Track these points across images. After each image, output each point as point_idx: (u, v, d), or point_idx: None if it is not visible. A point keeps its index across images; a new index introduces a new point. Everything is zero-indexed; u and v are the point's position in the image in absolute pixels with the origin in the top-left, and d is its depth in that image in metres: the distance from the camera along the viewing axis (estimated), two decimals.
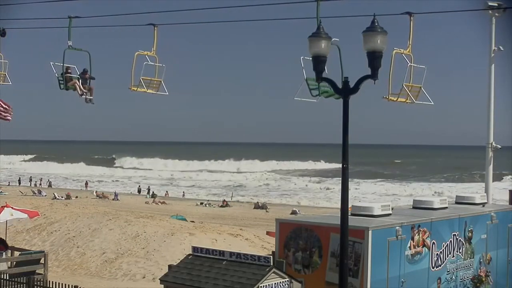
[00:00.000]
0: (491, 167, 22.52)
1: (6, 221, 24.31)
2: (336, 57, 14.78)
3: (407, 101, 16.01)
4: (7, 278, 19.94)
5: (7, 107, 21.39)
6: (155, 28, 18.14)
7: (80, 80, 19.21)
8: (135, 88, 18.41)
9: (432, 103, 16.24)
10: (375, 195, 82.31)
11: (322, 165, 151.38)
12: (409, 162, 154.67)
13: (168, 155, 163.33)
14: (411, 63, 15.71)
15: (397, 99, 15.92)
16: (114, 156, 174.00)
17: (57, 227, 33.47)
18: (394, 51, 15.44)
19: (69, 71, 19.08)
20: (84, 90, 19.25)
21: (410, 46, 15.62)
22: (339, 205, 11.65)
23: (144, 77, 18.49)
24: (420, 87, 16.31)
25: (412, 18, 15.43)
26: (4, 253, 21.83)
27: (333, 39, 14.67)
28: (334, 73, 14.74)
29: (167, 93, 18.76)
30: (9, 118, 21.56)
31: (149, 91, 18.54)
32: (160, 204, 65.54)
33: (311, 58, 11.69)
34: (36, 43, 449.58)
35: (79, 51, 18.80)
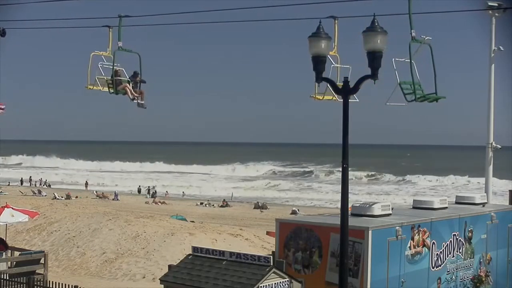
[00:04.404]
0: (491, 167, 22.53)
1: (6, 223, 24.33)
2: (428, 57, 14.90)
3: (333, 98, 16.24)
4: (7, 278, 19.94)
5: None
6: (110, 29, 18.01)
7: (131, 84, 18.30)
8: (91, 87, 18.43)
9: (357, 100, 16.32)
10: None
11: (322, 165, 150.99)
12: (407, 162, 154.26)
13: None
14: (337, 64, 16.02)
15: (323, 97, 16.52)
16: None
17: (57, 227, 33.49)
18: None
19: (118, 74, 18.18)
20: (135, 95, 18.29)
21: (335, 47, 16.12)
22: (339, 205, 11.67)
23: (99, 76, 18.43)
24: None
25: (336, 21, 15.73)
26: (4, 253, 21.82)
27: (426, 38, 14.73)
28: (427, 73, 14.89)
29: None
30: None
31: (104, 89, 18.46)
32: (160, 204, 65.51)
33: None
34: (36, 43, 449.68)
35: (129, 52, 18.08)
